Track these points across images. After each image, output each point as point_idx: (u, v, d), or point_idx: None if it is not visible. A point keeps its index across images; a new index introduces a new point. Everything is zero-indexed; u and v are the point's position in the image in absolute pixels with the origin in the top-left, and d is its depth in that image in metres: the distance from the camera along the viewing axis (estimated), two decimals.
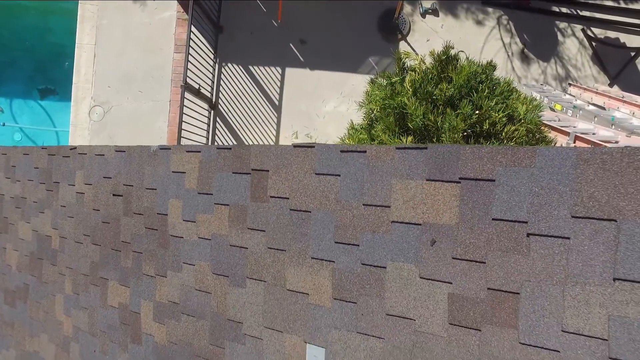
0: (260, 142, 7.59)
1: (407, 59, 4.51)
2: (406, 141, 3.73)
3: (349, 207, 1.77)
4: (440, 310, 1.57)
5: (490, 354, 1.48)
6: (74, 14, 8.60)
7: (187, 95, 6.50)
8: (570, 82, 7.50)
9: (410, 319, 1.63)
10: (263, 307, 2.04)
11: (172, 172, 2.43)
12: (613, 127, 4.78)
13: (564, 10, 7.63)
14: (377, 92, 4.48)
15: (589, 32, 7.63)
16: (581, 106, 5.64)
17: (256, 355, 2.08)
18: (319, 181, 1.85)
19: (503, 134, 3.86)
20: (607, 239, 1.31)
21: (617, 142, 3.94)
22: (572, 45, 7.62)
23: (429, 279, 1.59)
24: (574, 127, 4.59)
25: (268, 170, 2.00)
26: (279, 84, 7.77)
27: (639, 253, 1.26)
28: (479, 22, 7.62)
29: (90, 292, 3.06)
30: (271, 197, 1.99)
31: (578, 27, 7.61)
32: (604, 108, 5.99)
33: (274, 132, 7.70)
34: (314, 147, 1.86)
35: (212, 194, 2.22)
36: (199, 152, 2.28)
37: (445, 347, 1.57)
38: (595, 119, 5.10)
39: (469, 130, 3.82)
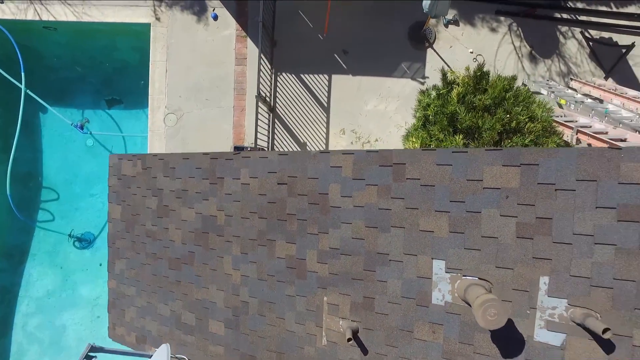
0: (312, 139, 9.01)
1: (448, 74, 5.97)
2: (458, 138, 5.18)
3: (457, 181, 3.25)
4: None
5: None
6: (139, 34, 9.98)
7: (254, 102, 7.92)
8: (572, 77, 8.89)
9: (495, 236, 3.12)
10: (403, 243, 3.54)
11: (331, 166, 3.91)
12: (606, 118, 6.20)
13: (565, 16, 8.99)
14: (427, 100, 5.95)
15: (587, 34, 9.00)
16: (581, 100, 7.05)
17: (398, 271, 3.58)
18: (439, 168, 3.33)
19: (525, 129, 5.30)
20: None
21: (607, 132, 5.39)
22: (572, 45, 9.00)
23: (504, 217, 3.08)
24: (576, 121, 6.03)
25: (405, 163, 3.48)
26: (326, 88, 9.18)
27: None
28: (493, 30, 9.00)
29: (258, 251, 4.56)
30: (407, 178, 3.48)
31: (577, 30, 8.97)
32: (601, 100, 7.39)
33: (324, 130, 9.16)
34: (435, 150, 3.33)
35: (364, 179, 3.71)
36: (352, 154, 3.77)
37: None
38: (593, 111, 6.51)
39: (502, 128, 5.27)
